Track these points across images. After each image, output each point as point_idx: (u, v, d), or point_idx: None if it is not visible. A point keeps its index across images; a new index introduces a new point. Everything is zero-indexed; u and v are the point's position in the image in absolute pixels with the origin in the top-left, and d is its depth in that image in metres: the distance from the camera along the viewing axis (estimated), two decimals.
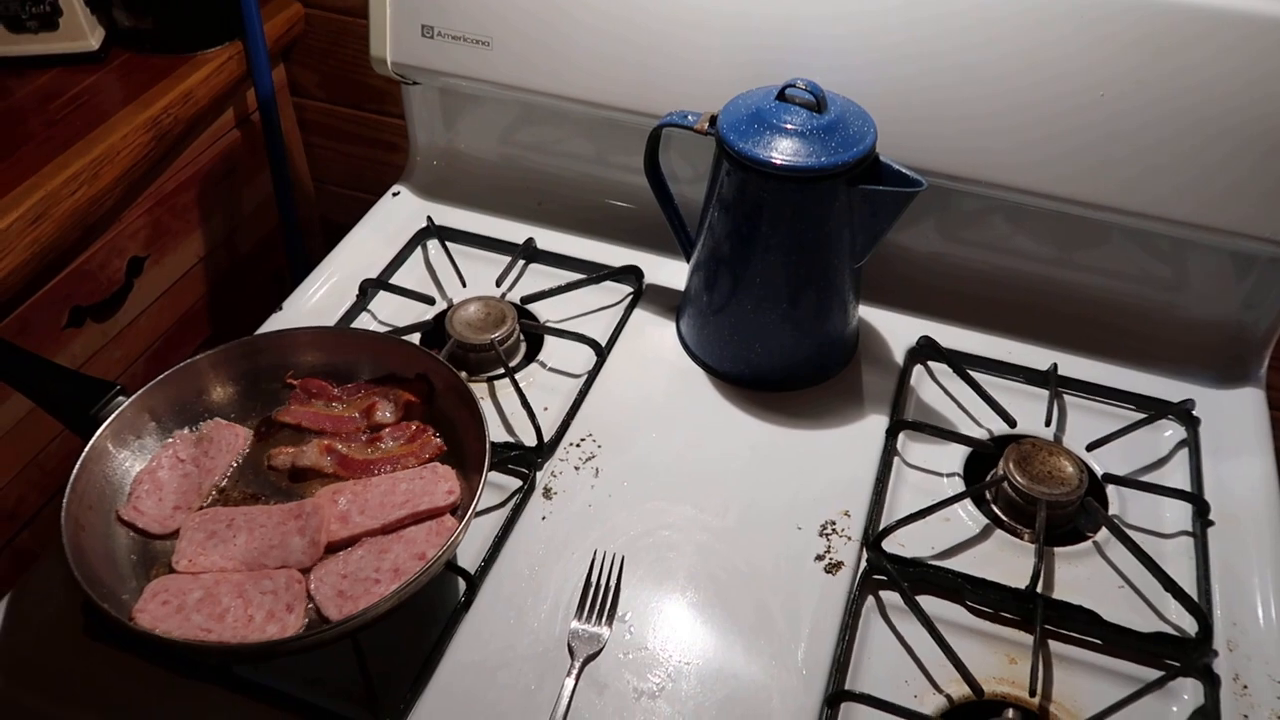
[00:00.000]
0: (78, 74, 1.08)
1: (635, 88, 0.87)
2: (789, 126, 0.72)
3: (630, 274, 0.92)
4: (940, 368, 0.86)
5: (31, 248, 0.92)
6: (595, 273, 0.92)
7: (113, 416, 0.68)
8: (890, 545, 0.71)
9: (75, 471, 0.65)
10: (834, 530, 0.73)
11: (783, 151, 0.71)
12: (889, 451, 0.78)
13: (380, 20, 0.91)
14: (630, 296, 0.91)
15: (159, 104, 1.05)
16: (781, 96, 0.73)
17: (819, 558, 0.71)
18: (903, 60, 0.80)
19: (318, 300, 0.91)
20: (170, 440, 0.72)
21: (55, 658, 0.64)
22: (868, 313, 0.90)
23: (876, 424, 0.81)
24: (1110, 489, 0.77)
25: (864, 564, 0.71)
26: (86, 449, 0.66)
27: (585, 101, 0.89)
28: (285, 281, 1.34)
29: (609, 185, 0.99)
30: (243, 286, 1.27)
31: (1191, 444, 0.80)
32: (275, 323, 0.88)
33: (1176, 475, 0.78)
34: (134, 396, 0.69)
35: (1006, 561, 0.72)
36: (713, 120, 0.76)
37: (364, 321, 0.89)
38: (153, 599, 0.62)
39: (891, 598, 0.69)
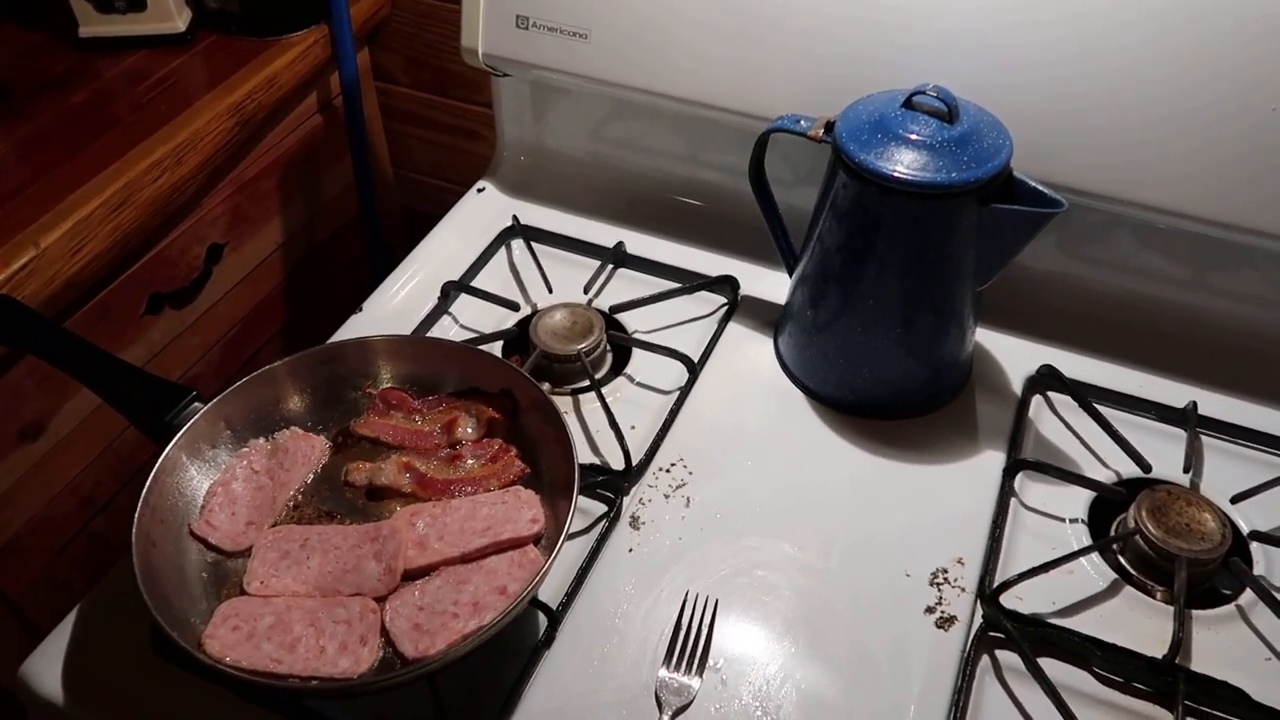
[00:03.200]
0: (165, 56, 1.06)
1: (740, 87, 0.81)
2: (915, 137, 0.66)
3: (725, 284, 0.87)
4: (1063, 399, 0.79)
5: (113, 235, 0.90)
6: (688, 281, 0.87)
7: (188, 425, 0.65)
8: (1007, 599, 0.65)
9: (148, 485, 0.62)
10: (946, 579, 0.67)
11: (908, 165, 0.65)
12: (1006, 492, 0.72)
13: (473, 9, 0.86)
14: (725, 308, 0.86)
15: (243, 89, 1.02)
16: (908, 104, 0.67)
17: (929, 610, 0.65)
18: (1039, 64, 0.73)
19: (398, 302, 0.87)
20: (245, 449, 0.69)
21: (122, 676, 0.62)
22: (983, 336, 0.83)
23: (992, 460, 0.74)
24: (1256, 547, 0.69)
25: (979, 619, 0.65)
26: (159, 461, 0.63)
27: (686, 99, 0.83)
28: (362, 269, 1.32)
29: (705, 188, 0.93)
30: (320, 274, 1.25)
31: None
32: (354, 325, 0.84)
33: None
34: (209, 404, 0.66)
35: (1137, 623, 0.65)
36: (829, 126, 0.70)
37: (445, 326, 0.85)
38: (223, 623, 0.59)
39: (1009, 659, 0.63)
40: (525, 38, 0.85)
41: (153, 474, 0.62)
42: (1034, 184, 0.66)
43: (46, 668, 0.62)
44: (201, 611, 0.60)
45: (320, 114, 1.17)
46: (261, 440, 0.69)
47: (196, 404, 0.66)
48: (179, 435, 0.64)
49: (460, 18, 0.88)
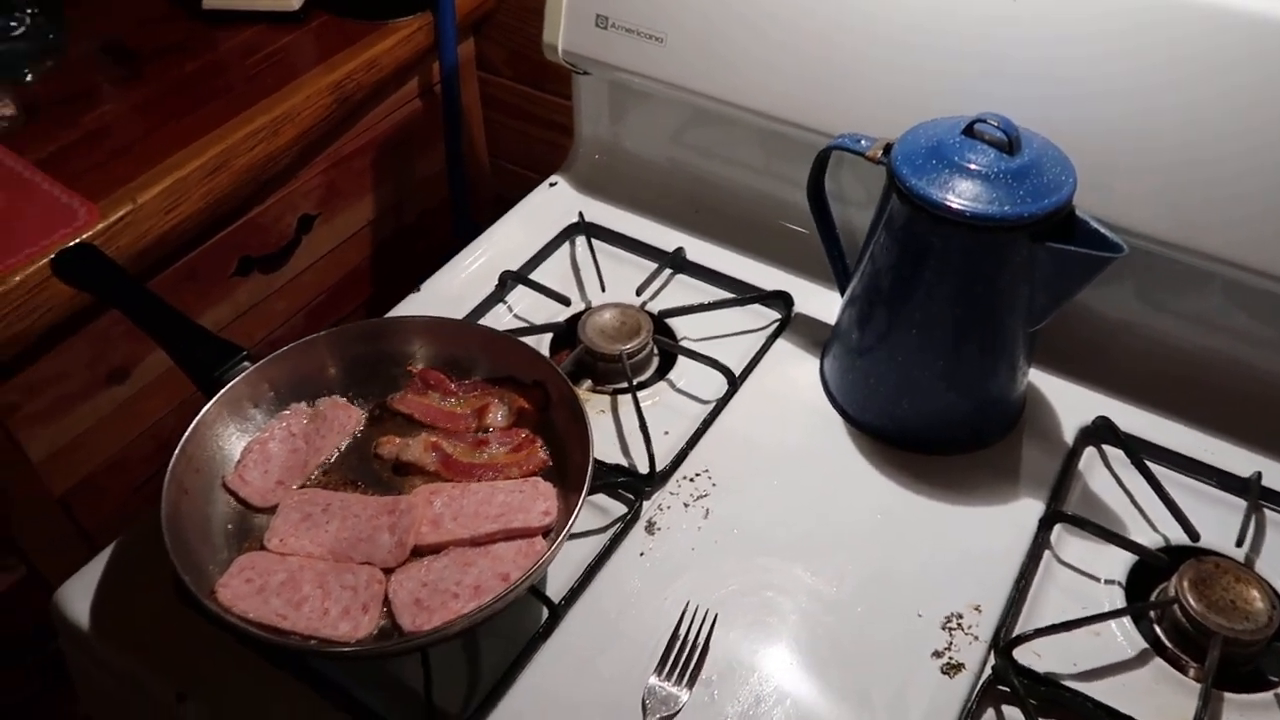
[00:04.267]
0: (277, 31, 1.11)
1: (810, 102, 0.80)
2: (972, 166, 0.64)
3: (779, 299, 0.86)
4: (1116, 454, 0.75)
5: (206, 197, 0.95)
6: (742, 293, 0.86)
7: (233, 382, 0.68)
8: (1023, 654, 0.62)
9: (187, 434, 0.65)
10: (959, 625, 0.64)
11: (961, 194, 0.63)
12: (1039, 544, 0.69)
13: (556, 5, 0.88)
14: (776, 324, 0.85)
15: (344, 69, 1.06)
16: (969, 131, 0.65)
17: (937, 654, 0.63)
18: (1116, 98, 0.69)
19: (457, 286, 0.89)
20: (286, 412, 0.71)
21: (143, 613, 0.66)
22: (1039, 378, 0.80)
23: (1030, 509, 0.71)
24: None
25: (989, 671, 0.62)
26: (201, 413, 0.66)
27: (756, 111, 0.83)
28: (449, 252, 1.35)
29: (771, 201, 0.92)
30: (407, 252, 1.28)
31: None
32: (410, 304, 0.87)
33: None
34: (255, 365, 0.69)
35: (1163, 698, 0.62)
36: (888, 148, 0.68)
37: (498, 314, 0.87)
38: (238, 574, 0.62)
39: (1015, 715, 0.61)
40: (604, 37, 0.86)
41: (193, 425, 0.66)
42: (1095, 225, 0.63)
43: (78, 596, 0.66)
44: (221, 561, 0.63)
45: (420, 99, 1.20)
46: (303, 404, 0.72)
47: (245, 363, 0.69)
48: (223, 391, 0.67)
49: None
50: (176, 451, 0.64)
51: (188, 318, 0.72)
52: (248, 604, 0.60)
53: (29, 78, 1.01)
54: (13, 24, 1.00)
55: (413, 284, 0.91)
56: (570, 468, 0.67)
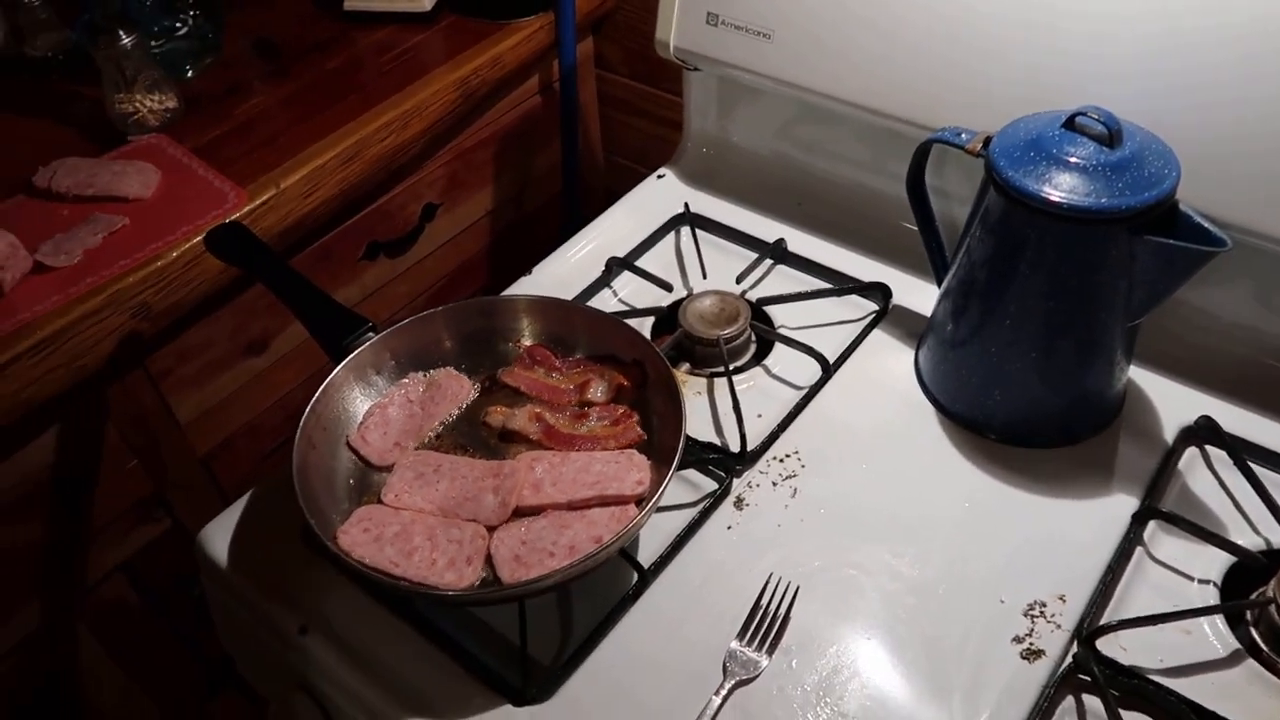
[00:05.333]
0: (410, 31, 1.18)
1: (915, 97, 0.81)
2: (1072, 160, 0.64)
3: (877, 291, 0.87)
4: (1219, 455, 0.73)
5: (341, 185, 1.02)
6: (841, 284, 0.88)
7: (359, 350, 0.74)
8: (1108, 645, 0.62)
9: (318, 395, 0.71)
10: (1042, 613, 0.65)
11: (1058, 187, 0.63)
12: (1131, 539, 0.68)
13: (669, 3, 0.91)
14: (873, 315, 0.86)
15: (469, 66, 1.12)
16: (1070, 125, 0.65)
17: (1017, 639, 0.64)
18: (1226, 91, 0.68)
19: (566, 270, 0.94)
20: (405, 380, 0.77)
21: (274, 554, 0.72)
22: (1142, 376, 0.79)
23: (1123, 505, 0.71)
24: None
25: (1070, 659, 0.63)
26: (330, 376, 0.72)
27: (862, 106, 0.84)
28: (562, 243, 1.40)
29: (875, 195, 0.93)
30: (522, 242, 1.34)
31: None
32: (522, 285, 0.92)
33: None
34: (379, 335, 0.75)
35: (1253, 700, 0.61)
36: (987, 141, 0.69)
37: (604, 297, 0.91)
38: (357, 524, 0.67)
39: (1094, 705, 0.61)
40: (714, 34, 0.89)
41: (323, 386, 0.72)
42: (1198, 219, 0.62)
43: (219, 536, 0.73)
44: (342, 511, 0.69)
45: (540, 95, 1.26)
46: (420, 374, 0.78)
47: (370, 333, 0.75)
48: (350, 358, 0.73)
49: None
50: (307, 410, 0.70)
51: (322, 290, 0.78)
52: (365, 550, 0.65)
53: (189, 74, 1.11)
54: (177, 25, 1.09)
55: (525, 273, 0.96)
56: (664, 442, 0.71)
